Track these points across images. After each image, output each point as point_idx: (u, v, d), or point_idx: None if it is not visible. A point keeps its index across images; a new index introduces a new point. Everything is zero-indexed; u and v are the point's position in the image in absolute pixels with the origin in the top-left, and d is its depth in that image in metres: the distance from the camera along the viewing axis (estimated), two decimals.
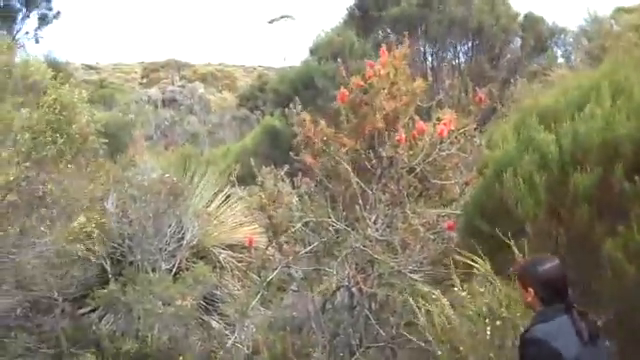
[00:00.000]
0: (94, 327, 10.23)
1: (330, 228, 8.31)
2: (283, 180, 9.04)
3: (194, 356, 9.71)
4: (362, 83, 8.24)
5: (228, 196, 12.65)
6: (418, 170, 7.85)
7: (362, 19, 17.45)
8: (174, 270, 11.01)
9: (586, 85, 6.27)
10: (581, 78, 6.64)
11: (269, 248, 8.69)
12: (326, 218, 8.26)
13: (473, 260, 5.97)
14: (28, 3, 20.41)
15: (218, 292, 11.32)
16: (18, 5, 20.32)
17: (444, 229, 7.65)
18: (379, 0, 18.04)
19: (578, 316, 4.04)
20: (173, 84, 34.92)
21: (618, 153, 5.63)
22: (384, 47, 8.52)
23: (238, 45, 76.01)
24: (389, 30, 16.59)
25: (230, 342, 9.27)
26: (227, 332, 10.06)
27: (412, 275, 7.92)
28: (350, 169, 7.99)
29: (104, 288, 10.37)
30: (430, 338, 6.07)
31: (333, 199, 8.34)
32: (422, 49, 17.72)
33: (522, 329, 4.43)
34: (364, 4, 18.42)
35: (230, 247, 12.09)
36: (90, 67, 46.94)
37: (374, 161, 7.97)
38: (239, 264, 11.73)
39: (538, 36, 17.71)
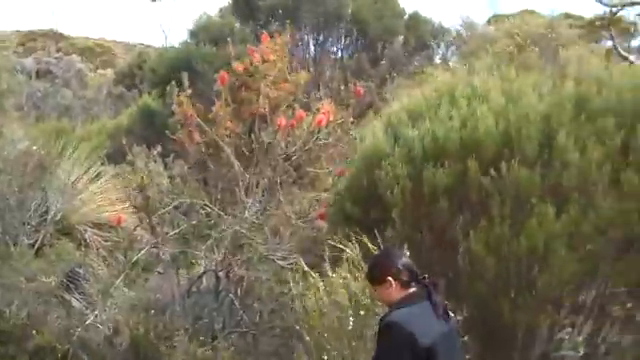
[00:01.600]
0: None
1: (202, 211, 8.23)
2: (155, 161, 8.92)
3: (51, 333, 9.39)
4: (247, 67, 8.20)
5: (98, 174, 12.33)
6: (294, 158, 7.86)
7: (245, 4, 17.32)
8: (37, 245, 10.66)
9: (443, 89, 6.50)
10: (438, 83, 6.97)
11: (137, 228, 8.53)
12: (199, 200, 8.19)
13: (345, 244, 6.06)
14: None
15: (81, 270, 11.00)
16: None
17: (315, 218, 7.69)
18: None
19: (433, 288, 4.09)
20: (49, 55, 33.83)
21: (477, 150, 5.87)
22: (265, 34, 8.53)
23: (120, 21, 74.00)
24: (270, 18, 16.65)
25: (89, 321, 9.03)
26: (88, 311, 9.77)
27: (280, 262, 7.95)
28: (230, 152, 7.94)
29: None
30: (297, 325, 6.12)
31: (206, 182, 8.28)
32: (305, 39, 17.74)
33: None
34: None
35: (97, 225, 11.79)
36: None
37: (253, 146, 7.94)
38: (106, 243, 11.45)
39: (420, 36, 17.97)
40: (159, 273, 9.42)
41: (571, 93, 6.27)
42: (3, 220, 10.12)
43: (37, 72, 29.91)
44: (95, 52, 37.40)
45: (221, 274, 8.40)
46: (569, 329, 6.06)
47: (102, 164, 12.77)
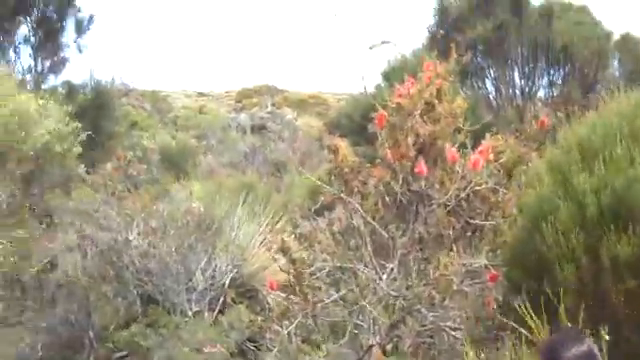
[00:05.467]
0: None
1: (360, 274, 7.07)
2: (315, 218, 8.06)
3: None
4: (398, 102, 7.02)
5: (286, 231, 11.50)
6: (452, 206, 6.50)
7: (442, 41, 16.21)
8: (216, 311, 9.93)
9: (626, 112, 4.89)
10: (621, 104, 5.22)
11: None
12: (356, 263, 7.06)
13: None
14: (60, 11, 19.93)
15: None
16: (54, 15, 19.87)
17: (486, 280, 6.31)
18: (458, 21, 16.81)
19: None
20: (262, 110, 34.34)
21: None
22: (429, 61, 7.35)
23: (335, 71, 75.29)
24: (471, 53, 15.49)
25: None
26: None
27: (453, 333, 6.63)
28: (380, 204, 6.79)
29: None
30: None
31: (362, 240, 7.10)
32: (510, 74, 16.50)
33: None
34: (444, 25, 17.24)
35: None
36: (202, 94, 47.07)
37: (408, 196, 6.70)
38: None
39: (637, 59, 15.97)
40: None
41: None
42: (166, 285, 9.47)
43: (252, 127, 30.41)
44: (309, 104, 37.46)
45: (389, 348, 7.18)
46: None
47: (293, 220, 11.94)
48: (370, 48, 23.70)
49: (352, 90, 20.82)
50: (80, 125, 11.25)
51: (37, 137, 8.94)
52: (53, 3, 19.87)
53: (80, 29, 20.14)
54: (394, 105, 6.86)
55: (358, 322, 7.24)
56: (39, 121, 9.00)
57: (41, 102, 9.45)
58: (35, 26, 19.58)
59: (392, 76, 15.49)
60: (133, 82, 29.23)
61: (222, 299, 10.10)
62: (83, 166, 11.88)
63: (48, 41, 19.62)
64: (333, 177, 7.39)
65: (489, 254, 6.42)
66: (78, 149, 10.74)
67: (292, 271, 7.20)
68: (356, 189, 6.99)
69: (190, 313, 9.52)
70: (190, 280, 9.60)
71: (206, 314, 9.71)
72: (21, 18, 19.42)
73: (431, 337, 7.03)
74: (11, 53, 19.28)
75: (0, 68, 9.40)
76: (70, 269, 9.56)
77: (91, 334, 9.51)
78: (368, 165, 7.11)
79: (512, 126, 7.96)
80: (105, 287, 9.61)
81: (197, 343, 9.12)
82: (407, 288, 6.49)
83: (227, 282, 10.01)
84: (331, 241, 7.56)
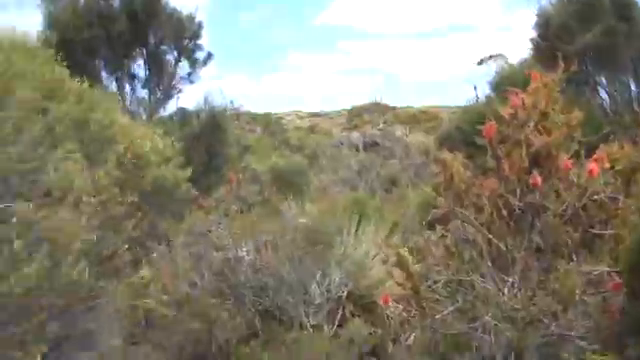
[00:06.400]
0: None
1: (477, 286, 7.01)
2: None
3: None
4: (511, 114, 6.97)
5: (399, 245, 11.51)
6: (568, 216, 6.40)
7: (548, 51, 15.84)
8: (335, 325, 10.00)
9: None
10: None
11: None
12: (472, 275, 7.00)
13: None
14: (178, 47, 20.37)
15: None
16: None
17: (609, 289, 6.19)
18: (563, 32, 16.41)
19: None
20: (373, 128, 34.59)
21: None
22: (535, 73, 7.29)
23: (446, 86, 74.70)
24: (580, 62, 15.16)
25: None
26: None
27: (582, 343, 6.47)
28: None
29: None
30: None
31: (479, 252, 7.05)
32: (624, 80, 16.06)
33: None
34: (548, 36, 16.83)
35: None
36: (315, 115, 47.77)
37: (522, 207, 6.62)
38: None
39: None
40: None
41: None
42: (282, 298, 9.64)
43: (364, 145, 30.65)
44: (420, 120, 37.40)
45: None
46: None
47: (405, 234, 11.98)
48: (479, 63, 23.42)
49: (463, 103, 20.65)
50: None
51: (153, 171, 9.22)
52: (169, 38, 20.28)
53: (195, 65, 20.57)
54: (507, 116, 6.82)
55: (482, 335, 7.17)
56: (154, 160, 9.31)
57: (157, 138, 9.71)
58: (150, 60, 20.10)
59: (501, 87, 15.31)
60: (243, 106, 29.81)
61: (340, 312, 10.14)
62: (195, 191, 12.15)
63: (163, 75, 20.08)
64: (444, 191, 7.39)
65: (610, 262, 6.31)
66: (186, 174, 10.95)
67: (409, 284, 7.23)
68: (469, 202, 6.96)
69: (309, 327, 9.59)
70: (306, 292, 9.70)
71: (325, 328, 9.76)
72: (136, 52, 19.98)
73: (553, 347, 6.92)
74: (127, 87, 19.90)
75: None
76: (189, 289, 9.80)
77: (213, 350, 9.69)
78: (481, 177, 7.07)
79: (629, 133, 7.74)
80: (224, 304, 9.79)
81: (318, 357, 9.18)
82: (531, 300, 6.40)
83: (344, 295, 10.06)
84: (444, 253, 7.55)
